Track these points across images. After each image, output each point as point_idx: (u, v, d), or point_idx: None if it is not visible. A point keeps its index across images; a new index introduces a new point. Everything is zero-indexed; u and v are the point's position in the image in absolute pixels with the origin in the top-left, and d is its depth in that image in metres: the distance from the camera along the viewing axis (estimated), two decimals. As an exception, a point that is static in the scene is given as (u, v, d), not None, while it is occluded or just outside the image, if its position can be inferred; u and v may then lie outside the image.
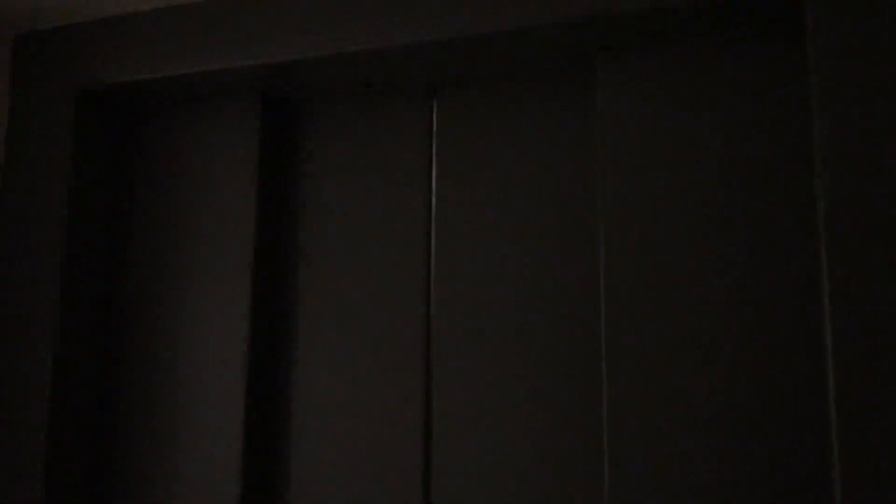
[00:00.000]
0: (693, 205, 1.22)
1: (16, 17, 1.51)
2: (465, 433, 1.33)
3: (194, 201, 1.50)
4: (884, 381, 1.01)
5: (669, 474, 1.16)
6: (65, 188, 1.47)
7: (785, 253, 1.18)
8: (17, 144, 1.52)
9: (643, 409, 1.19)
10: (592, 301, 1.30)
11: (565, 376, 1.30)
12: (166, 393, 1.47)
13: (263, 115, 1.49)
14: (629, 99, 1.27)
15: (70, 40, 1.52)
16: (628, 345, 1.21)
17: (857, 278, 1.05)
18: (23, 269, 1.48)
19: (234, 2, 1.42)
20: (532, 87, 1.39)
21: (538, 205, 1.35)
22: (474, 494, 1.31)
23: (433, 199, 1.42)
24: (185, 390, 1.45)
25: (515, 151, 1.38)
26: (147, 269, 1.53)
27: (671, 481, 1.16)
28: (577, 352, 1.30)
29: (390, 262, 1.42)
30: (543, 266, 1.33)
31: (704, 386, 1.17)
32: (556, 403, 1.29)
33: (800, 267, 1.17)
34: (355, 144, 1.48)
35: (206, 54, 1.42)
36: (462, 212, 1.39)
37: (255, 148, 1.47)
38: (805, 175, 1.19)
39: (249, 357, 1.42)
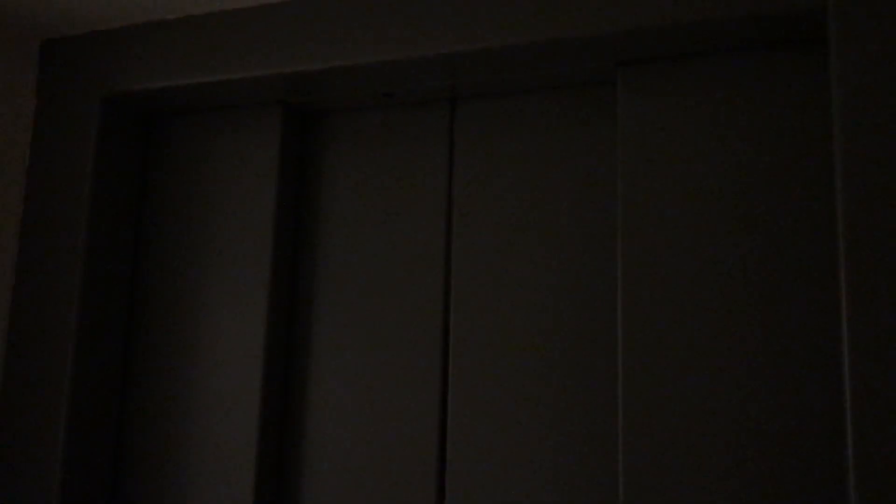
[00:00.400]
0: (711, 216, 1.21)
1: (43, 24, 1.53)
2: (480, 436, 1.33)
3: (214, 207, 1.51)
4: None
5: (684, 482, 1.15)
6: (87, 191, 1.49)
7: (803, 263, 1.17)
8: (42, 147, 1.54)
9: (658, 414, 1.18)
10: (610, 307, 1.29)
11: (582, 381, 1.29)
12: (183, 395, 1.47)
13: (284, 124, 1.50)
14: (649, 112, 1.26)
15: (95, 47, 1.54)
16: (644, 350, 1.20)
17: (875, 283, 1.04)
18: (45, 270, 1.49)
19: (256, 12, 1.43)
20: (552, 99, 1.39)
21: (557, 215, 1.35)
22: (488, 497, 1.30)
23: (452, 209, 1.42)
24: (201, 392, 1.46)
25: (535, 163, 1.38)
26: (166, 272, 1.54)
27: (686, 488, 1.15)
28: (593, 357, 1.29)
29: (409, 268, 1.42)
30: (561, 275, 1.33)
31: (720, 389, 1.16)
32: (572, 408, 1.28)
33: (818, 277, 1.16)
34: (375, 154, 1.48)
35: (229, 63, 1.43)
36: (481, 220, 1.39)
37: (275, 155, 1.48)
38: (824, 187, 1.17)
39: (266, 359, 1.43)
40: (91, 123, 1.51)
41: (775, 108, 1.21)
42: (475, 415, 1.34)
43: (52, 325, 1.47)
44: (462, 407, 1.35)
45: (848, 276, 1.05)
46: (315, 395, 1.44)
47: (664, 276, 1.21)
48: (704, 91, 1.25)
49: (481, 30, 1.28)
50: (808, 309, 1.16)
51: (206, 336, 1.47)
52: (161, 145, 1.59)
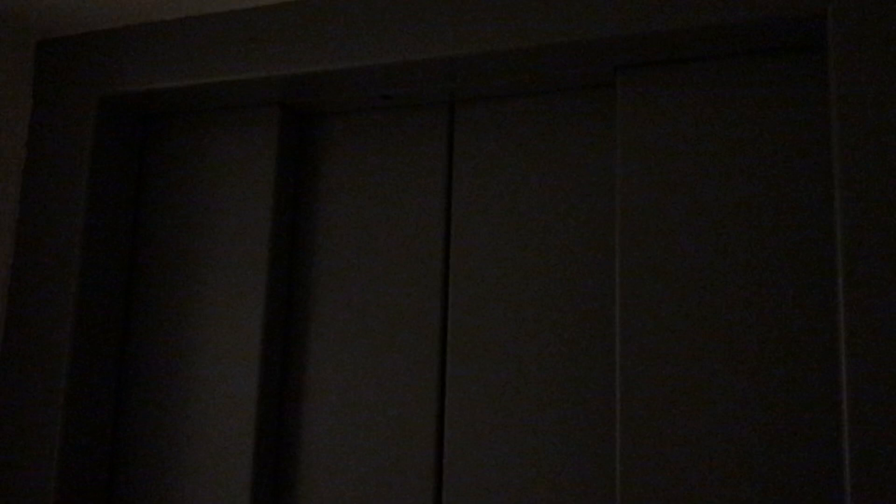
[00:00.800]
0: (710, 220, 1.21)
1: (39, 24, 1.52)
2: (477, 437, 1.33)
3: (211, 208, 1.51)
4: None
5: (682, 484, 1.16)
6: (84, 192, 1.48)
7: (802, 267, 1.17)
8: (38, 149, 1.54)
9: (657, 415, 1.18)
10: (608, 310, 1.29)
11: (579, 384, 1.29)
12: (179, 395, 1.47)
13: (282, 126, 1.50)
14: (647, 116, 1.27)
15: (92, 47, 1.53)
16: (642, 352, 1.20)
17: (873, 286, 1.05)
18: (41, 272, 1.49)
19: (255, 13, 1.43)
20: (551, 103, 1.39)
21: (555, 218, 1.35)
22: (485, 498, 1.31)
23: (451, 211, 1.42)
24: (197, 393, 1.46)
25: (533, 166, 1.38)
26: (162, 273, 1.53)
27: (684, 490, 1.16)
28: (592, 359, 1.29)
29: (407, 270, 1.42)
30: (559, 278, 1.33)
31: (718, 392, 1.17)
32: (569, 410, 1.29)
33: (816, 282, 1.16)
34: (373, 156, 1.48)
35: (227, 65, 1.43)
36: (479, 223, 1.39)
37: (272, 157, 1.48)
38: (822, 192, 1.18)
39: (262, 359, 1.43)
40: (88, 124, 1.51)
41: (774, 113, 1.22)
42: (472, 415, 1.34)
43: (49, 325, 1.46)
44: (459, 408, 1.35)
45: (846, 279, 1.06)
46: (312, 395, 1.44)
47: (662, 280, 1.22)
48: (703, 95, 1.25)
49: (480, 33, 1.28)
50: (807, 313, 1.16)
51: (202, 337, 1.47)
52: (158, 146, 1.59)
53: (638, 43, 1.23)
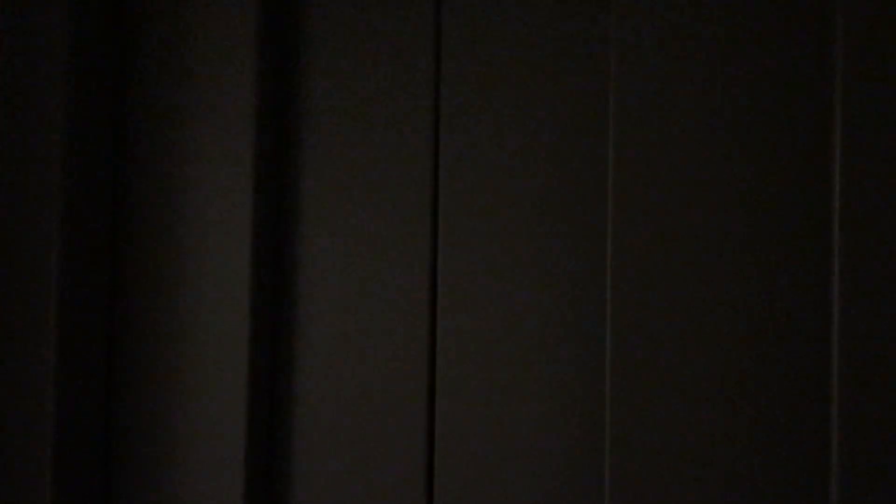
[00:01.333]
0: (704, 193, 1.17)
1: None
2: (468, 433, 1.35)
3: (192, 92, 1.48)
4: (890, 386, 1.03)
5: (672, 482, 1.19)
6: (60, 84, 1.47)
7: (796, 248, 1.14)
8: (7, 32, 1.49)
9: (648, 416, 1.19)
10: (601, 296, 1.26)
11: (570, 378, 1.30)
12: (169, 387, 1.48)
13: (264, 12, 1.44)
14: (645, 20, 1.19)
15: None
16: (634, 343, 1.21)
17: (870, 280, 1.05)
18: (17, 154, 1.49)
19: None
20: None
21: (548, 160, 1.30)
22: (477, 495, 1.35)
23: (440, 92, 1.36)
24: (188, 384, 1.47)
25: (526, 63, 1.32)
26: (148, 177, 1.52)
27: (676, 489, 1.19)
28: (583, 351, 1.28)
29: (395, 166, 1.39)
30: (549, 203, 1.30)
31: (710, 390, 1.17)
32: (561, 406, 1.30)
33: (811, 268, 1.13)
34: (361, 32, 1.43)
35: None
36: (472, 107, 1.35)
37: (252, 29, 1.45)
38: (824, 128, 1.12)
39: (252, 347, 1.42)
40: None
41: (778, 35, 1.14)
42: (463, 413, 1.34)
43: (33, 240, 1.48)
44: (450, 405, 1.35)
45: (841, 272, 1.05)
46: (302, 390, 1.44)
47: (655, 258, 1.18)
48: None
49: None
50: (801, 310, 1.13)
51: (191, 330, 1.45)
52: (137, 26, 1.56)
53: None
